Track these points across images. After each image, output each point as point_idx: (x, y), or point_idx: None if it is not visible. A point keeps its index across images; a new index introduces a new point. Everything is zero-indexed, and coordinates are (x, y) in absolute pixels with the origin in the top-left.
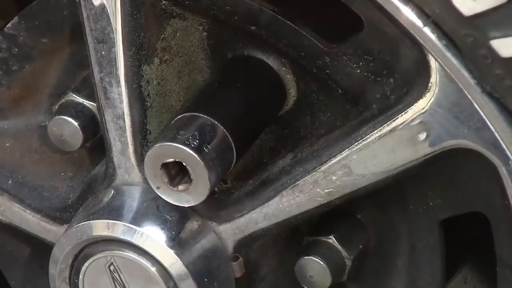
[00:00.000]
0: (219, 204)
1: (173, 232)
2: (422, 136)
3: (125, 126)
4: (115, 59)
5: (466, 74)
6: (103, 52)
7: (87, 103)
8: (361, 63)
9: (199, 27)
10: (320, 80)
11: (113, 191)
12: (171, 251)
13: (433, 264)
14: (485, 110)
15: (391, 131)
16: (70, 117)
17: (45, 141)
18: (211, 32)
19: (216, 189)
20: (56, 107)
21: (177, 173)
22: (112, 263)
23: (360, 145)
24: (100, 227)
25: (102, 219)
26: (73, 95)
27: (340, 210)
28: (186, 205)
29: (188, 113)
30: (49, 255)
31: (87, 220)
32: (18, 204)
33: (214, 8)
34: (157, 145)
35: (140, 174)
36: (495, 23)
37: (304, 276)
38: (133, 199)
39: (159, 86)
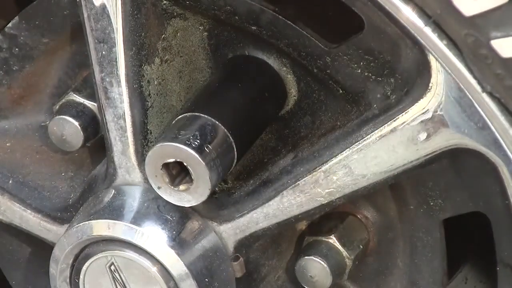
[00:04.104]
0: (219, 204)
1: (174, 232)
2: (423, 136)
3: (126, 126)
4: (116, 59)
5: (466, 74)
6: (103, 52)
7: (87, 103)
8: (361, 63)
9: (200, 27)
10: (321, 80)
11: (113, 191)
12: (172, 251)
13: (433, 264)
14: (486, 110)
15: (391, 131)
16: (70, 117)
17: (45, 141)
18: (211, 32)
19: (216, 189)
20: (57, 107)
21: (178, 173)
22: (112, 263)
23: (361, 145)
24: (101, 227)
25: (102, 219)
26: (74, 95)
27: (341, 210)
28: (187, 205)
29: (189, 113)
30: (49, 255)
31: (88, 220)
32: (19, 204)
33: (215, 8)
34: (158, 145)
35: (141, 174)
36: (496, 23)
37: (304, 276)
38: (134, 199)
39: (160, 86)
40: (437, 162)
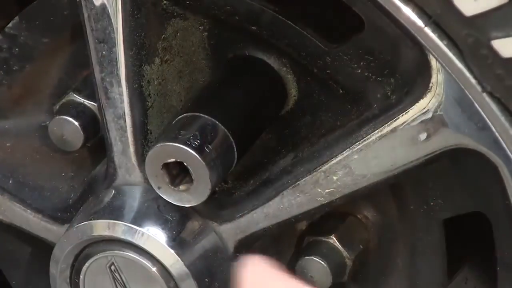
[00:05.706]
0: (220, 204)
1: (174, 232)
2: (423, 136)
3: (126, 126)
4: (116, 59)
5: (467, 74)
6: (104, 52)
7: (88, 103)
8: (362, 63)
9: (200, 27)
10: (321, 80)
11: (113, 191)
12: (172, 251)
13: (433, 264)
14: (486, 110)
15: (392, 131)
16: (71, 117)
17: (46, 141)
18: (212, 32)
19: (217, 189)
20: (57, 107)
21: (178, 173)
22: (113, 263)
23: (361, 145)
24: (101, 227)
25: (103, 219)
26: (74, 95)
27: (341, 210)
28: (187, 205)
29: (189, 113)
30: (50, 255)
31: (88, 220)
32: (19, 204)
33: (215, 8)
34: (158, 145)
35: (141, 174)
36: (496, 23)
37: (305, 276)
38: (134, 199)
39: (160, 86)
40: (437, 162)
